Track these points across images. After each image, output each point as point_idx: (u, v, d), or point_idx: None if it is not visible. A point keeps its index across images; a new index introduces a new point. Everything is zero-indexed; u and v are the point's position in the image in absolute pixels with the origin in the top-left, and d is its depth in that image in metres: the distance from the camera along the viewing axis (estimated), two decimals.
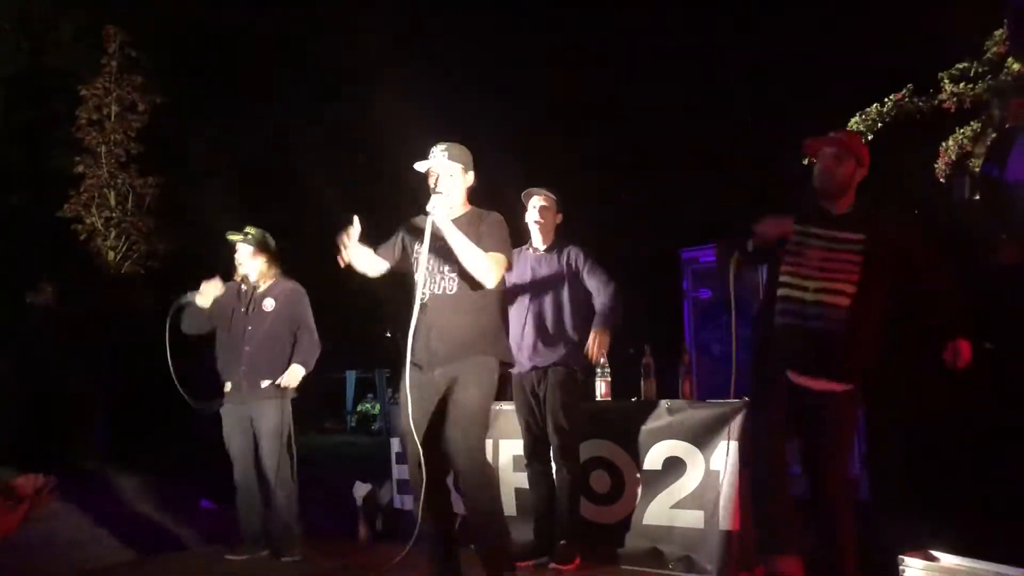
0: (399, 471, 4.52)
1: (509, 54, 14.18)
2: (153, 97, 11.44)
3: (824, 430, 2.86)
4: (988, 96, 6.90)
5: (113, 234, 11.10)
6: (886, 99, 7.77)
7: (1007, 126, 5.66)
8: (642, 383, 3.93)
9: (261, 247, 4.17)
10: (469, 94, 13.97)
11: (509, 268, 3.21)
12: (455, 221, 3.07)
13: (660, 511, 3.62)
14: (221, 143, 13.17)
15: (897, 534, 3.23)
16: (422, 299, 3.10)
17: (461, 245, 3.01)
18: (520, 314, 3.84)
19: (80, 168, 11.00)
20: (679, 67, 12.66)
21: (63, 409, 9.89)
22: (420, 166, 3.17)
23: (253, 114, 13.81)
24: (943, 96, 7.45)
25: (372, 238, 3.39)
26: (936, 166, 7.39)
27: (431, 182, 3.16)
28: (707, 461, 3.52)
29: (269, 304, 4.12)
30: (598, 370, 3.97)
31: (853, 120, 7.84)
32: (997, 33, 7.10)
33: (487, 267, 3.02)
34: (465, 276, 3.07)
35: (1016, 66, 6.56)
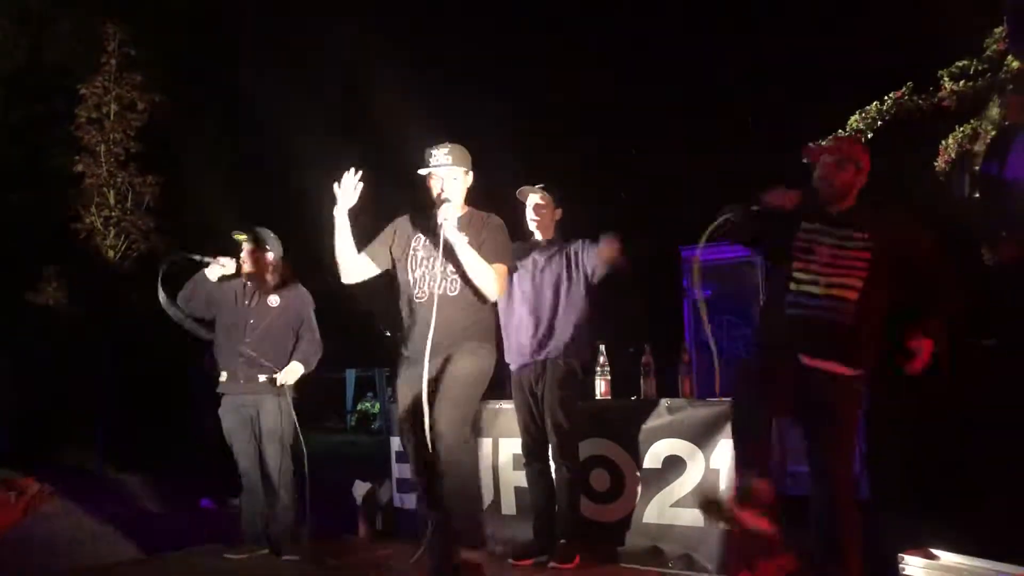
0: (399, 470, 4.52)
1: (509, 54, 14.17)
2: (152, 96, 11.43)
3: (829, 420, 2.86)
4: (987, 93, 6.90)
5: (112, 233, 11.08)
6: (886, 97, 7.77)
7: (1006, 123, 5.67)
8: (642, 382, 3.93)
9: (267, 246, 4.17)
10: (469, 94, 13.97)
11: (510, 274, 3.27)
12: (456, 221, 3.12)
13: (660, 510, 3.63)
14: (221, 142, 13.17)
15: (897, 532, 3.23)
16: (422, 298, 3.13)
17: (469, 259, 3.10)
18: (519, 308, 3.84)
19: (79, 167, 10.99)
20: (679, 67, 12.66)
21: (63, 408, 9.91)
22: (423, 171, 3.19)
23: (252, 113, 13.80)
24: (943, 94, 7.45)
25: (372, 238, 3.40)
26: (936, 164, 7.38)
27: (434, 187, 3.18)
28: (707, 460, 3.53)
29: (275, 300, 4.13)
30: (597, 369, 3.97)
31: (853, 118, 7.82)
32: (997, 31, 7.09)
33: (491, 281, 3.14)
34: (467, 280, 3.16)
35: (1015, 64, 6.55)
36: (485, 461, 4.15)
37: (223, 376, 4.11)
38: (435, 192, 3.21)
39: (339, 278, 3.34)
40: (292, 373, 4.04)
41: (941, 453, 4.06)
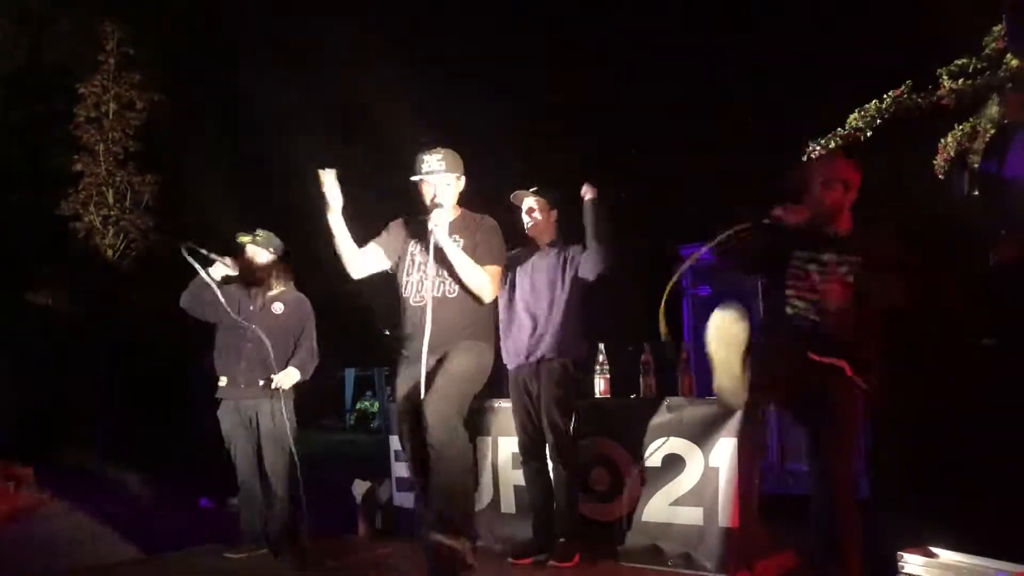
0: (398, 469, 4.52)
1: (509, 54, 14.18)
2: (151, 95, 11.44)
3: (830, 420, 2.86)
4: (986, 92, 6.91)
5: (111, 232, 11.09)
6: (885, 96, 7.77)
7: (1005, 121, 5.66)
8: (641, 380, 3.93)
9: (270, 249, 4.17)
10: (469, 94, 13.98)
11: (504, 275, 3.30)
12: (449, 225, 3.18)
13: (659, 508, 3.62)
14: (220, 142, 13.17)
15: (897, 531, 3.23)
16: (420, 301, 3.16)
17: (461, 263, 3.15)
18: (517, 309, 3.85)
19: (78, 166, 11.00)
20: (679, 67, 12.66)
21: (63, 408, 9.91)
22: (416, 178, 3.22)
23: (252, 113, 13.80)
24: (942, 92, 7.45)
25: (371, 238, 3.40)
26: (935, 162, 7.38)
27: (426, 193, 3.21)
28: (706, 458, 3.52)
29: (278, 308, 4.14)
30: (597, 367, 3.98)
31: (852, 117, 7.83)
32: (996, 29, 7.10)
33: (484, 283, 3.19)
34: (463, 282, 3.20)
35: (1014, 62, 6.55)
36: (484, 460, 4.16)
37: (223, 381, 4.11)
38: (427, 198, 3.24)
39: (348, 277, 3.36)
40: (288, 377, 4.04)
41: (941, 453, 4.05)
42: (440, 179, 3.22)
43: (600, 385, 3.98)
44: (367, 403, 19.34)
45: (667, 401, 3.71)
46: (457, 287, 3.22)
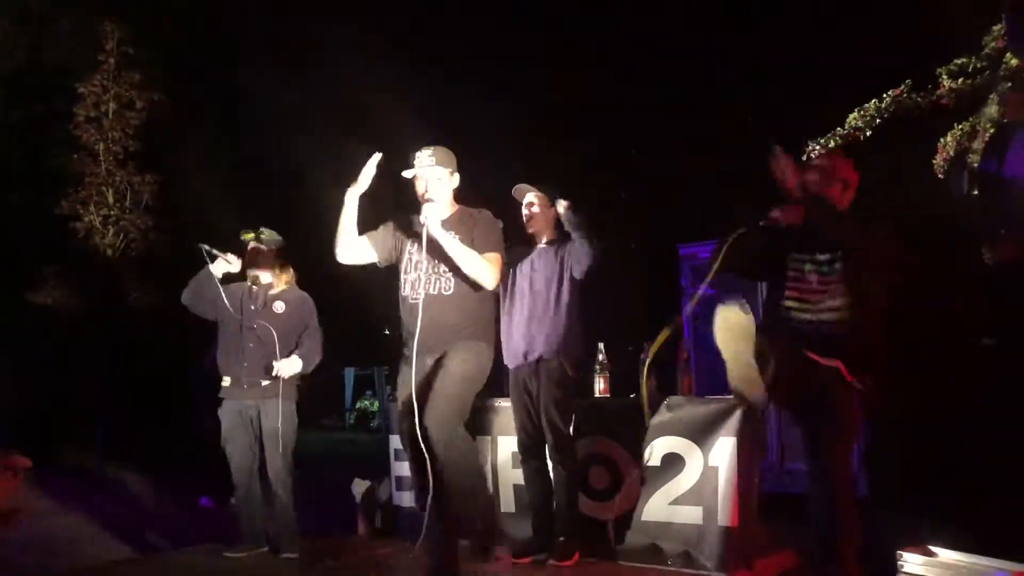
0: (398, 468, 4.52)
1: (509, 54, 14.17)
2: (151, 94, 11.44)
3: (829, 420, 2.86)
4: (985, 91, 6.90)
5: (111, 232, 11.08)
6: (884, 95, 7.77)
7: (1005, 121, 5.66)
8: (641, 379, 3.92)
9: (274, 248, 4.18)
10: (469, 94, 13.97)
11: (504, 272, 3.28)
12: (445, 221, 3.18)
13: (659, 507, 3.63)
14: (220, 141, 13.16)
15: (896, 530, 3.23)
16: (416, 299, 3.16)
17: (458, 252, 3.12)
18: (516, 308, 3.85)
19: (78, 166, 11.01)
20: (679, 67, 12.65)
21: (63, 408, 9.90)
22: (408, 173, 3.23)
23: (252, 113, 13.80)
24: (941, 92, 7.45)
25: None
26: (935, 162, 7.38)
27: (419, 188, 3.22)
28: (706, 457, 3.53)
29: (280, 307, 4.13)
30: (596, 367, 3.98)
31: (851, 116, 7.83)
32: (995, 28, 7.10)
33: (485, 270, 3.15)
34: (461, 276, 3.18)
35: (1014, 61, 6.55)
36: (484, 459, 4.15)
37: (226, 381, 4.11)
38: (420, 193, 3.24)
39: (348, 276, 3.37)
40: (290, 365, 4.01)
41: (941, 452, 4.06)
42: (431, 173, 3.23)
43: (600, 385, 3.98)
44: (367, 402, 19.37)
45: (667, 400, 3.71)
46: (453, 283, 3.19)
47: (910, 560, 2.92)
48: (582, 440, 3.81)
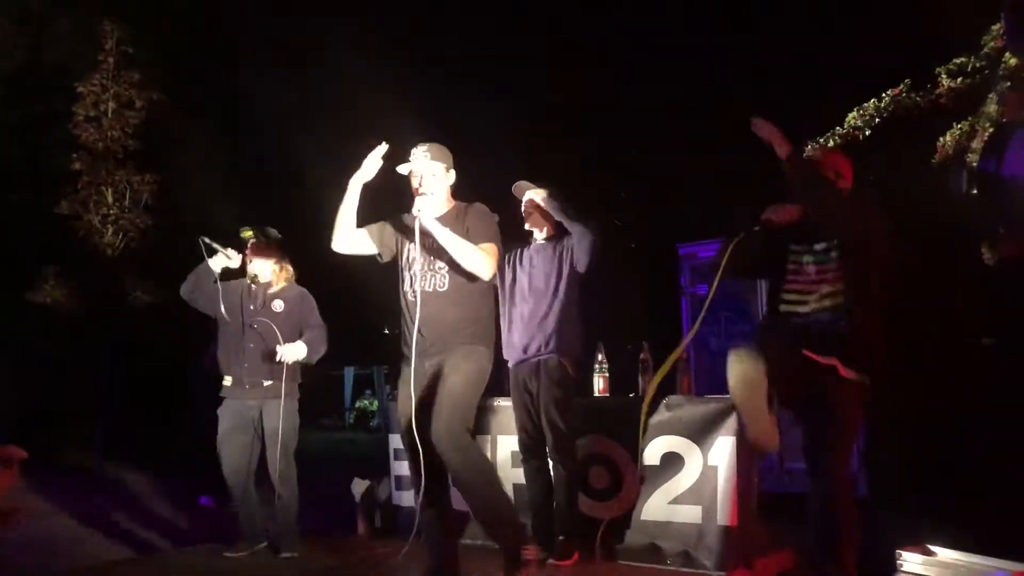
0: (397, 467, 4.52)
1: (509, 54, 14.17)
2: (150, 94, 11.45)
3: (829, 420, 2.86)
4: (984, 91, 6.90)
5: (111, 231, 11.09)
6: (884, 95, 7.77)
7: (1004, 120, 5.66)
8: (640, 379, 3.93)
9: (273, 245, 4.17)
10: (469, 94, 13.97)
11: (503, 269, 3.25)
12: (441, 218, 3.15)
13: (658, 507, 3.63)
14: (219, 141, 13.16)
15: (896, 529, 3.24)
16: (413, 296, 3.14)
17: (452, 243, 3.08)
18: (516, 305, 3.85)
19: (77, 165, 11.01)
20: (679, 67, 12.65)
21: (63, 408, 9.91)
22: (403, 168, 3.22)
23: (252, 113, 13.81)
24: (940, 91, 7.45)
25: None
26: (934, 161, 7.37)
27: (414, 183, 3.21)
28: (705, 456, 3.53)
29: (279, 306, 4.12)
30: (596, 366, 3.97)
31: (851, 116, 7.83)
32: (994, 28, 7.10)
33: (480, 259, 3.10)
34: (457, 271, 3.14)
35: (1013, 61, 6.56)
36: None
37: (227, 380, 4.10)
38: (414, 188, 3.23)
39: (347, 273, 3.36)
40: (294, 350, 3.96)
41: (940, 452, 4.06)
42: (426, 168, 3.20)
43: (599, 384, 3.98)
44: (366, 402, 19.38)
45: (666, 400, 3.71)
46: (448, 280, 3.15)
47: (909, 559, 2.93)
48: (582, 440, 3.80)
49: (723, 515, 3.41)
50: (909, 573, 2.93)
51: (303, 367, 4.17)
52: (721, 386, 3.64)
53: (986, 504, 3.65)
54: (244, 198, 11.37)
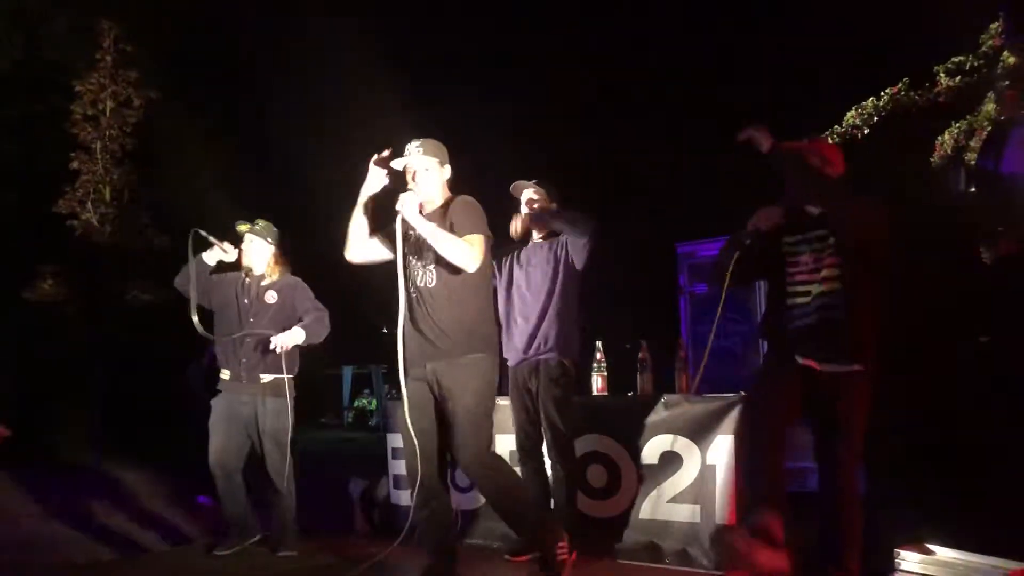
0: (396, 466, 4.51)
1: (509, 54, 14.19)
2: (148, 92, 11.45)
3: (837, 419, 2.86)
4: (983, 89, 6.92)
5: (108, 229, 11.09)
6: (882, 93, 7.77)
7: (1002, 118, 5.66)
8: (638, 378, 3.92)
9: (269, 239, 4.16)
10: (469, 94, 13.98)
11: (491, 244, 3.21)
12: (432, 214, 3.12)
13: (657, 506, 3.62)
14: (218, 140, 13.16)
15: (895, 528, 3.23)
16: (407, 294, 3.13)
17: (433, 235, 3.02)
18: (516, 305, 3.84)
19: (75, 164, 11.00)
20: (679, 67, 12.67)
21: (59, 404, 9.91)
22: (397, 164, 3.19)
23: (249, 110, 13.82)
24: (939, 90, 7.46)
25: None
26: (932, 160, 7.38)
27: (408, 179, 3.19)
28: (703, 455, 3.52)
29: (272, 297, 4.10)
30: (594, 365, 3.96)
31: (849, 114, 7.83)
32: (992, 26, 7.11)
33: (463, 251, 3.03)
34: (443, 265, 3.08)
35: (1011, 59, 6.56)
36: None
37: (225, 375, 4.10)
38: (408, 182, 3.20)
39: (346, 270, 3.34)
40: (291, 336, 3.91)
41: (941, 453, 4.06)
42: (419, 163, 3.16)
43: (597, 383, 3.97)
44: (365, 401, 19.37)
45: (664, 399, 3.70)
46: (435, 276, 3.10)
47: (908, 558, 2.92)
48: (580, 439, 3.79)
49: (721, 514, 3.41)
50: (908, 572, 2.93)
51: (301, 367, 4.16)
52: (720, 385, 3.64)
53: (985, 503, 3.64)
54: (243, 197, 11.36)
